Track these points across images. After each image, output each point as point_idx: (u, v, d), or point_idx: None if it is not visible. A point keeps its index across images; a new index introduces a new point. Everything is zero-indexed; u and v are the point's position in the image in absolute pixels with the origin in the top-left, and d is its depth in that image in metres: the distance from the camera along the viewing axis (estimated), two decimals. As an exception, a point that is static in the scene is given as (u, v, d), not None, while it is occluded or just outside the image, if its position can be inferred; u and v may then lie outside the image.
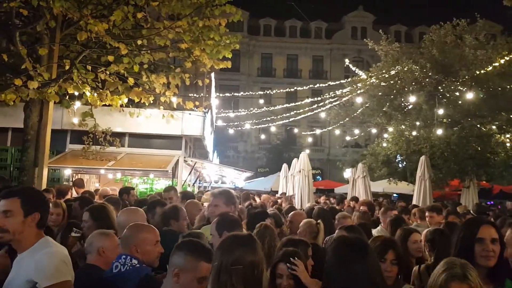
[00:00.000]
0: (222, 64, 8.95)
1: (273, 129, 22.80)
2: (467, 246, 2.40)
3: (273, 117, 21.22)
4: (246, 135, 37.62)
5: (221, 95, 17.15)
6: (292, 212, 5.93)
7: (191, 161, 11.59)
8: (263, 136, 28.69)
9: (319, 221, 4.91)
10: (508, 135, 14.65)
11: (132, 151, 10.57)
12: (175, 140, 10.95)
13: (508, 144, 14.50)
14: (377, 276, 2.02)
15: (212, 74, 13.65)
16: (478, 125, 15.08)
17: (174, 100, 9.23)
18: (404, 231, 4.19)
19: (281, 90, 19.55)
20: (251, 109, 20.31)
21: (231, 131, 20.51)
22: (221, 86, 33.29)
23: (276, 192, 15.95)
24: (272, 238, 3.95)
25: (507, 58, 13.87)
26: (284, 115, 20.75)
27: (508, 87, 14.05)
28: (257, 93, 24.61)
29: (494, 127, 14.64)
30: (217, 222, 3.04)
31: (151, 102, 9.02)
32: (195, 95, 11.64)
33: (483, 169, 15.84)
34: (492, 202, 18.27)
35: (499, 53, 14.51)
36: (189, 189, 11.16)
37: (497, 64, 13.88)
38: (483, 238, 2.41)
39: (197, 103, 10.04)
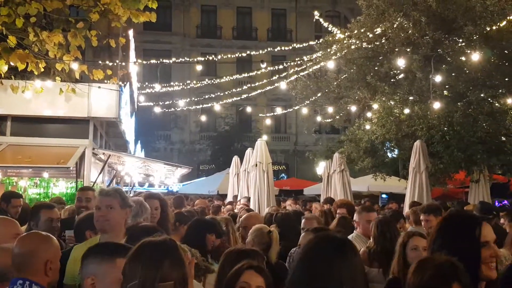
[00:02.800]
0: (143, 17, 8.82)
1: (219, 109, 22.70)
2: (475, 252, 2.42)
3: (219, 93, 21.15)
4: (182, 119, 37.36)
5: (144, 62, 16.81)
6: (245, 215, 5.99)
7: (103, 154, 11.39)
8: (205, 120, 28.51)
9: (272, 228, 5.03)
10: (528, 111, 15.47)
11: (16, 141, 10.31)
12: (79, 125, 10.77)
13: (528, 124, 15.32)
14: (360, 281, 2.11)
15: (130, 32, 13.39)
16: (489, 99, 15.79)
17: (75, 67, 8.99)
18: (404, 235, 4.41)
19: (230, 56, 19.44)
20: (188, 82, 20.12)
21: (160, 113, 20.23)
22: (146, 52, 32.76)
23: (225, 195, 16.01)
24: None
25: (526, 10, 14.61)
26: (234, 90, 20.75)
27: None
28: (196, 60, 24.40)
29: (509, 100, 15.38)
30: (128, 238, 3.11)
31: (42, 70, 8.74)
32: (107, 62, 11.37)
33: (496, 157, 16.65)
34: (506, 202, 19.27)
35: (515, 2, 15.22)
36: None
37: (512, 17, 14.57)
38: (488, 241, 2.45)
39: (109, 72, 9.87)
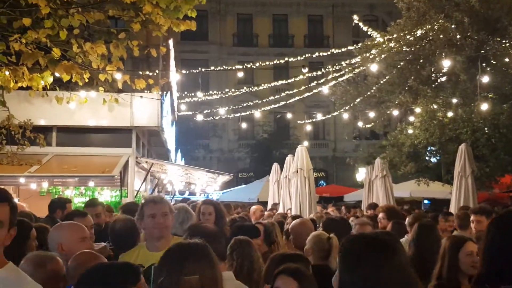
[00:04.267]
0: (183, 26, 8.89)
1: (257, 117, 22.75)
2: None
3: (257, 101, 21.20)
4: (221, 128, 37.58)
5: (184, 71, 17.01)
6: (293, 222, 5.94)
7: (146, 162, 11.53)
8: (243, 127, 28.63)
9: (331, 235, 4.96)
10: None
11: (62, 151, 10.51)
12: (122, 134, 10.91)
13: None
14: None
15: (171, 42, 13.57)
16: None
17: (119, 77, 9.14)
18: (454, 239, 4.22)
19: (267, 63, 19.47)
20: (226, 90, 20.24)
21: (199, 120, 20.41)
22: (184, 62, 33.15)
23: (265, 203, 15.98)
24: (249, 257, 4.19)
25: None
26: (272, 97, 20.74)
27: None
28: (233, 68, 24.53)
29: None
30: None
31: (87, 81, 8.91)
32: (147, 72, 11.54)
33: (544, 160, 16.15)
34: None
35: (560, 0, 14.77)
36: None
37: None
38: None
39: (151, 81, 9.98)
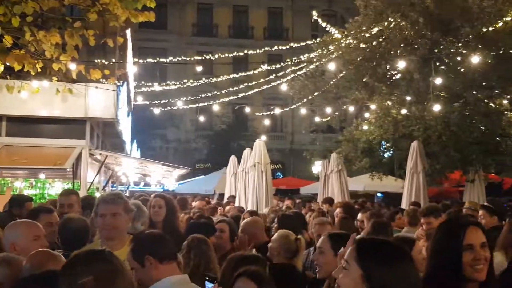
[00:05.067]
0: (142, 17, 8.78)
1: (216, 109, 22.64)
2: (453, 255, 2.58)
3: (215, 92, 21.14)
4: (179, 118, 37.28)
5: (141, 61, 16.78)
6: (245, 221, 5.97)
7: (100, 154, 11.35)
8: (202, 119, 28.48)
9: (299, 236, 5.01)
10: (524, 111, 15.59)
11: (12, 142, 10.24)
12: (76, 126, 10.71)
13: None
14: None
15: (128, 32, 13.34)
16: (485, 100, 15.87)
17: (73, 67, 8.94)
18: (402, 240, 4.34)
19: (226, 55, 19.43)
20: (185, 81, 20.08)
21: (156, 112, 20.20)
22: (141, 50, 32.65)
23: (222, 195, 16.00)
24: (206, 256, 4.23)
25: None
26: (231, 89, 20.73)
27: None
28: (192, 59, 24.34)
29: (505, 101, 15.46)
30: (134, 245, 3.10)
31: (39, 70, 8.69)
32: (103, 61, 11.32)
33: (491, 158, 16.75)
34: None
35: (511, 4, 15.25)
36: (97, 194, 10.89)
37: (509, 18, 14.60)
38: (472, 244, 2.59)
39: (107, 72, 9.81)
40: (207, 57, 19.70)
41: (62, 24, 9.22)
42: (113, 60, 11.75)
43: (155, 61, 16.14)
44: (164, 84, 20.06)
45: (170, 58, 24.15)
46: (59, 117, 10.48)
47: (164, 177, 15.63)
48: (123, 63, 12.47)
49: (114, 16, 8.48)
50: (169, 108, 21.86)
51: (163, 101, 20.69)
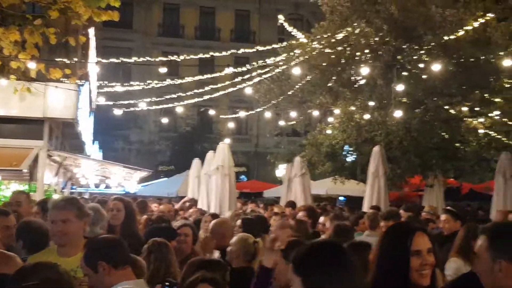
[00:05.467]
0: (105, 16, 8.63)
1: (180, 110, 22.52)
2: (400, 261, 2.64)
3: (180, 94, 21.02)
4: (142, 119, 36.88)
5: (104, 60, 16.53)
6: (213, 222, 5.98)
7: (59, 156, 11.13)
8: (166, 121, 28.26)
9: (258, 239, 5.04)
10: (481, 119, 16.03)
11: (-33, 141, 9.88)
12: (34, 126, 10.50)
13: (481, 131, 15.87)
14: None
15: (91, 30, 13.15)
16: (446, 106, 16.29)
17: (33, 66, 8.73)
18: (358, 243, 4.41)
19: (192, 57, 19.34)
20: (149, 82, 19.89)
21: (119, 113, 19.94)
22: (105, 49, 32.12)
23: (183, 198, 15.90)
24: (166, 260, 4.20)
25: (482, 21, 15.08)
26: (196, 91, 20.64)
27: (483, 57, 15.31)
28: (157, 60, 24.16)
29: (465, 108, 15.90)
30: (87, 251, 3.05)
31: (-3, 68, 8.46)
32: (65, 60, 11.12)
33: (450, 163, 17.22)
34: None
35: (472, 13, 15.70)
36: (55, 196, 10.69)
37: (469, 27, 15.03)
38: (419, 250, 2.66)
39: (67, 71, 9.61)
40: (173, 58, 19.59)
41: (22, 21, 9.00)
42: (75, 59, 11.56)
43: (119, 61, 15.93)
44: (127, 84, 19.82)
45: (135, 58, 23.88)
46: (17, 117, 10.24)
47: (125, 179, 15.45)
48: (85, 63, 12.27)
49: (77, 14, 8.32)
50: (132, 109, 21.62)
51: (126, 102, 20.43)
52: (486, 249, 2.40)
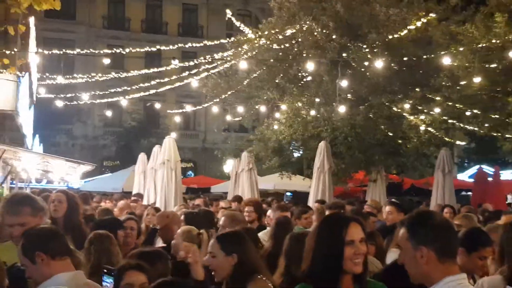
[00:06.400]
0: (46, 4, 8.43)
1: (126, 104, 22.17)
2: (335, 250, 2.76)
3: (126, 88, 20.67)
4: (86, 113, 36.06)
5: (46, 51, 16.03)
6: (159, 214, 5.97)
7: (-3, 148, 10.69)
8: (111, 115, 27.74)
9: (202, 230, 5.06)
10: (422, 116, 16.59)
11: None
12: (-30, 117, 10.02)
13: (422, 128, 16.43)
14: None
15: (32, 20, 12.71)
16: (388, 104, 16.76)
17: (-30, 54, 8.41)
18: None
19: (138, 50, 19.08)
20: (93, 74, 19.46)
21: (61, 105, 19.41)
22: (47, 41, 31.19)
23: (130, 193, 15.70)
24: (108, 251, 4.21)
25: (424, 20, 15.61)
26: (142, 85, 20.36)
27: (424, 56, 15.85)
28: (102, 52, 23.64)
29: (407, 106, 16.41)
30: (24, 242, 3.03)
31: None
32: (3, 50, 10.74)
33: (392, 159, 17.75)
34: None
35: (415, 13, 16.22)
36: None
37: (412, 27, 15.52)
38: (353, 240, 2.79)
39: (6, 61, 9.32)
40: (118, 51, 19.25)
41: (-42, 8, 8.66)
42: (15, 49, 11.17)
43: (61, 52, 15.49)
44: (70, 77, 19.30)
45: (78, 50, 23.24)
46: (-49, 108, 9.82)
47: (68, 174, 15.05)
48: (24, 53, 11.85)
49: (16, 2, 8.10)
50: (75, 102, 21.09)
51: (69, 95, 19.90)
52: (407, 239, 2.49)
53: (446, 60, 13.77)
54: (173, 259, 4.83)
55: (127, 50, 18.94)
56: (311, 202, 11.97)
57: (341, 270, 2.75)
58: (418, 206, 14.62)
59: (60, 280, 2.85)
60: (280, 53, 17.80)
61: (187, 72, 19.30)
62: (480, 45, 14.25)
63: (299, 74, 17.90)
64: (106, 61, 17.64)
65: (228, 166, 22.02)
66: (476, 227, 4.63)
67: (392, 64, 16.16)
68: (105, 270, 3.08)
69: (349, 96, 16.95)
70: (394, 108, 16.93)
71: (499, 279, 3.64)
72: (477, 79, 14.20)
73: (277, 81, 18.00)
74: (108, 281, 3.12)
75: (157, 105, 25.42)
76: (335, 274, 2.76)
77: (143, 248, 4.41)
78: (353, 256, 2.76)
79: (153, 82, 19.87)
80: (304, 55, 16.92)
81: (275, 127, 18.31)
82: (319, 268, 2.79)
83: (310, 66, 15.02)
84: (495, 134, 17.20)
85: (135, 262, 3.25)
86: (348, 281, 2.81)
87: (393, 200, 8.41)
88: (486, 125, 17.11)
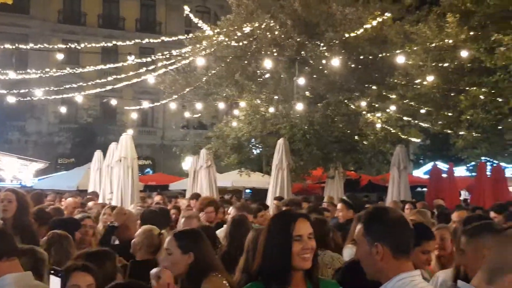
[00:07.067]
0: (-3, -3, 8.13)
1: (81, 100, 21.68)
2: (283, 246, 2.80)
3: (81, 84, 20.28)
4: (40, 110, 35.10)
5: (-2, 46, 15.55)
6: (116, 212, 5.89)
7: None
8: (66, 111, 27.07)
9: (162, 231, 5.02)
10: (378, 114, 16.87)
11: None
12: None
13: (378, 125, 16.71)
14: None
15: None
16: (346, 101, 16.98)
17: None
18: (258, 231, 4.53)
19: (94, 45, 18.73)
20: (47, 70, 18.97)
21: (13, 101, 18.85)
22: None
23: (85, 191, 15.43)
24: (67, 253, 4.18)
25: (380, 20, 15.87)
26: (99, 81, 20.00)
27: (380, 55, 16.11)
28: (56, 47, 23.08)
29: (363, 103, 16.66)
30: None
31: None
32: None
33: (350, 156, 18.00)
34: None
35: (370, 13, 16.47)
36: None
37: (368, 26, 15.76)
38: (301, 235, 2.82)
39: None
40: (73, 45, 18.84)
41: None
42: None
43: (13, 47, 15.02)
44: (23, 72, 18.76)
45: (31, 45, 22.63)
46: None
47: (20, 172, 14.68)
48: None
49: (-35, -6, 7.79)
50: (29, 98, 20.52)
51: (22, 91, 19.35)
52: (363, 235, 2.50)
53: (401, 59, 14.04)
54: (132, 258, 4.78)
55: (83, 45, 18.60)
56: (269, 199, 12.04)
57: (290, 266, 2.78)
58: (369, 203, 14.87)
59: (7, 281, 2.77)
60: (239, 51, 17.78)
61: (144, 68, 19.06)
62: (433, 45, 14.57)
63: (258, 71, 17.94)
64: (60, 56, 17.19)
65: (187, 163, 21.83)
66: (418, 222, 4.74)
67: (349, 63, 16.39)
68: (52, 271, 3.00)
69: (307, 93, 17.11)
70: (351, 106, 17.16)
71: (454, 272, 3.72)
72: (430, 78, 14.53)
73: (236, 78, 17.98)
74: (55, 282, 3.05)
75: (114, 102, 24.99)
76: (284, 270, 2.79)
77: (89, 248, 4.35)
78: (301, 251, 2.79)
79: (109, 78, 19.55)
80: (263, 52, 16.96)
81: (234, 124, 18.28)
82: (269, 265, 2.82)
83: (269, 63, 15.08)
84: (448, 131, 17.64)
85: (81, 263, 3.22)
86: (299, 278, 2.83)
87: (343, 198, 8.60)
88: (440, 122, 17.54)
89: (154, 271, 3.12)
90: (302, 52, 16.37)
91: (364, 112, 16.92)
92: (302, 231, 2.82)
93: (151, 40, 19.80)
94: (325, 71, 16.38)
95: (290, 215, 2.97)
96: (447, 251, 4.59)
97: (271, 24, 16.61)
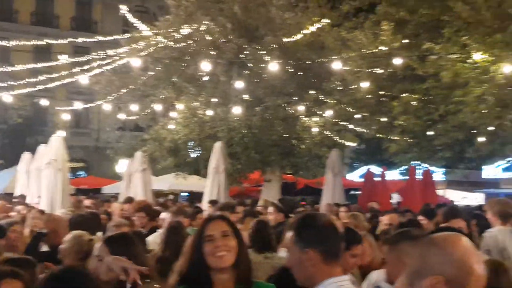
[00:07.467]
0: None
1: (10, 100, 20.74)
2: (197, 248, 2.87)
3: (11, 83, 19.46)
4: (-34, 109, 33.43)
5: None
6: (46, 218, 5.65)
7: None
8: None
9: (94, 237, 4.87)
10: (315, 118, 17.11)
11: None
12: None
13: (315, 129, 16.94)
14: None
15: None
16: (284, 105, 17.10)
17: None
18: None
19: (25, 43, 18.03)
20: (-26, 67, 18.11)
21: None
22: None
23: (11, 195, 14.76)
24: None
25: (319, 25, 16.09)
26: (30, 80, 19.26)
27: (318, 60, 16.33)
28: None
29: (301, 108, 16.83)
30: None
31: None
32: None
33: (287, 159, 18.15)
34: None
35: (309, 18, 16.67)
36: None
37: (307, 31, 15.93)
38: (211, 234, 2.86)
39: None
40: (4, 43, 18.06)
41: None
42: None
43: None
44: None
45: (-43, 40, 21.43)
46: None
47: None
48: None
49: None
50: (-48, 97, 19.46)
51: None
52: (293, 242, 2.48)
53: (337, 65, 14.27)
54: (61, 264, 4.57)
55: (14, 42, 17.90)
56: (205, 202, 11.92)
57: (207, 267, 2.82)
58: (305, 206, 15.03)
59: None
60: (177, 52, 17.57)
61: (78, 68, 18.48)
62: (368, 51, 14.91)
63: (196, 73, 17.78)
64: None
65: (121, 166, 21.33)
66: (348, 226, 4.92)
67: (288, 67, 16.51)
68: None
69: (245, 97, 17.09)
70: (289, 110, 17.31)
71: None
72: (365, 84, 14.87)
73: (173, 80, 17.75)
74: None
75: (46, 102, 24.10)
76: (203, 272, 2.82)
77: (8, 256, 4.13)
78: (214, 250, 2.81)
79: (41, 78, 18.88)
80: (202, 54, 16.82)
81: (171, 126, 18.02)
82: (190, 268, 2.87)
83: (207, 66, 14.95)
84: (381, 136, 18.12)
85: (10, 269, 3.05)
86: (225, 279, 2.84)
87: (274, 202, 8.79)
88: (374, 127, 18.00)
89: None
90: (241, 55, 16.36)
91: (301, 116, 17.11)
92: (213, 231, 2.86)
93: (86, 39, 19.28)
94: (264, 75, 16.43)
95: (208, 219, 3.07)
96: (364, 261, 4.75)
97: (211, 27, 16.51)
